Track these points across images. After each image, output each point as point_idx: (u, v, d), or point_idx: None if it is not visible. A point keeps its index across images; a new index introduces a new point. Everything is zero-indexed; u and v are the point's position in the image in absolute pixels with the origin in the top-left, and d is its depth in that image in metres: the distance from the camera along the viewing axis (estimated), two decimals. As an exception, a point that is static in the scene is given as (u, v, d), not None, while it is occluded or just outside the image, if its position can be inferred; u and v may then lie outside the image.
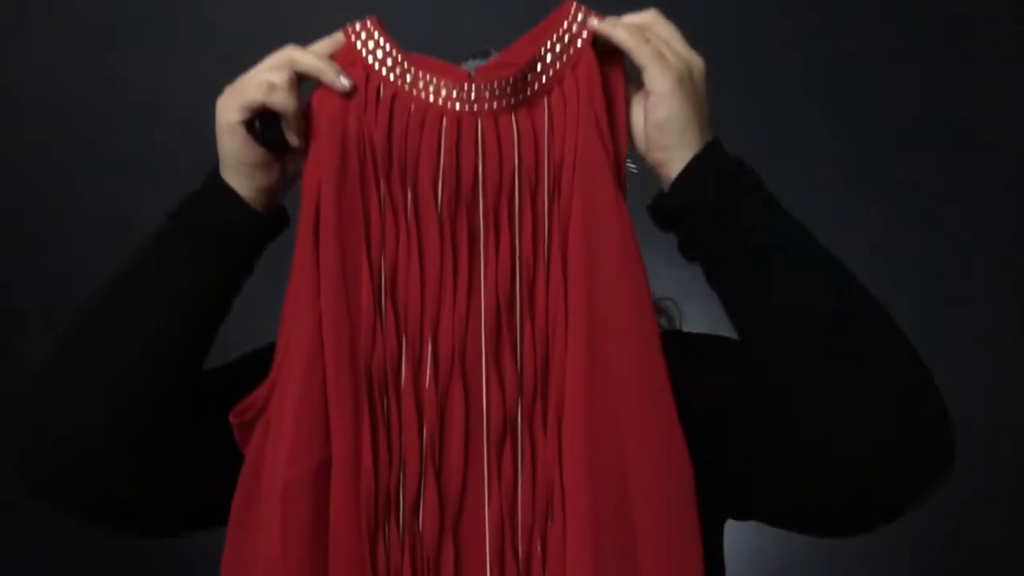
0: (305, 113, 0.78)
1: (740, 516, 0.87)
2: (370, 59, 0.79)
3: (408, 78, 0.78)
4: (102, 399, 0.76)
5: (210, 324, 0.81)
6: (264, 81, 0.77)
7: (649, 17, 0.79)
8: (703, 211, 0.76)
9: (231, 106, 0.78)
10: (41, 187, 1.95)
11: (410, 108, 0.78)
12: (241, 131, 0.77)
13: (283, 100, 0.77)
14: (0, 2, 1.93)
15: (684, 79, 0.76)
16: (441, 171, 0.76)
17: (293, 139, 0.78)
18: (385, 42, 0.79)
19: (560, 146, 0.77)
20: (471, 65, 0.80)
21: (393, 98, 0.78)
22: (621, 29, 0.77)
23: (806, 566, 1.94)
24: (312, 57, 0.79)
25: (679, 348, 0.80)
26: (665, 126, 0.77)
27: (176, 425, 0.78)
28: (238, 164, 0.79)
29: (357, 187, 0.77)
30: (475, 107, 0.77)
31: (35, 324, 1.90)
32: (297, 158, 0.80)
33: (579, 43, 0.77)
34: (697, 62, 0.78)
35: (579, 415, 0.74)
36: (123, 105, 1.91)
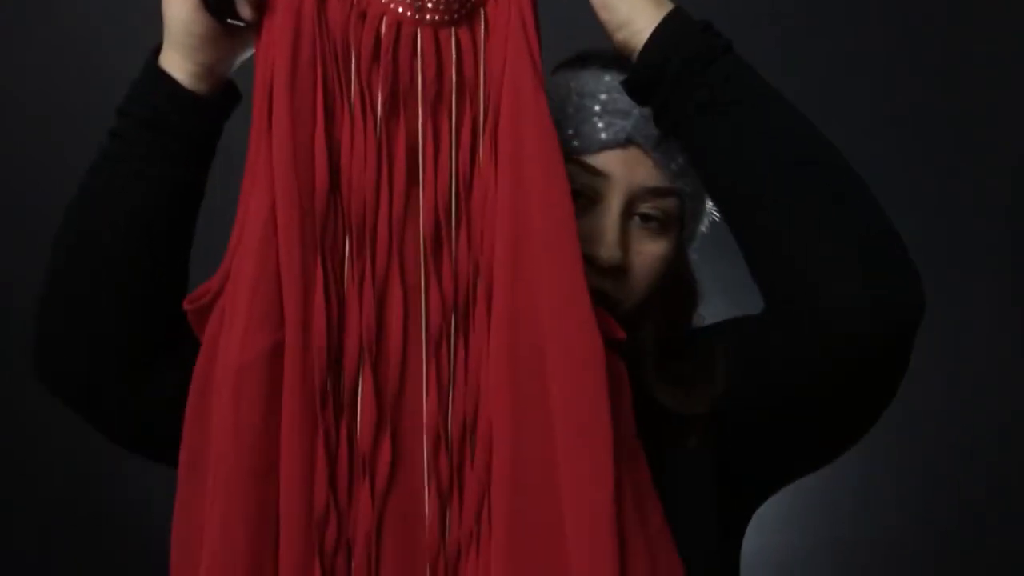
0: None
1: (763, 475, 0.90)
2: None
3: None
4: (92, 295, 0.79)
5: (184, 212, 0.80)
6: None
7: None
8: (669, 84, 0.76)
9: None
10: (41, 187, 1.95)
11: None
12: None
13: None
14: (0, 2, 1.93)
15: None
16: (381, 72, 0.75)
17: (246, 10, 0.73)
18: None
19: (494, 58, 0.76)
20: None
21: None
22: None
23: (806, 565, 1.94)
24: None
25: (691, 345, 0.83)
26: (608, 5, 0.77)
27: (166, 326, 0.79)
28: (186, 36, 0.76)
29: (310, 70, 0.74)
30: (416, 16, 0.75)
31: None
32: (245, 33, 0.76)
33: None
34: None
35: (503, 310, 0.74)
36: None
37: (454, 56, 0.76)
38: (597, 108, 0.86)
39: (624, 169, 0.86)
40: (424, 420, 0.75)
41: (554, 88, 0.87)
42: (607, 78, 0.88)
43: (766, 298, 0.79)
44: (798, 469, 0.90)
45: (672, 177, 0.87)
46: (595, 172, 0.85)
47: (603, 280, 0.84)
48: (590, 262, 0.82)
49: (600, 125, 0.86)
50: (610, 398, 0.74)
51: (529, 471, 0.73)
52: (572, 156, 0.84)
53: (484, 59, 0.76)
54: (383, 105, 0.75)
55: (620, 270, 0.85)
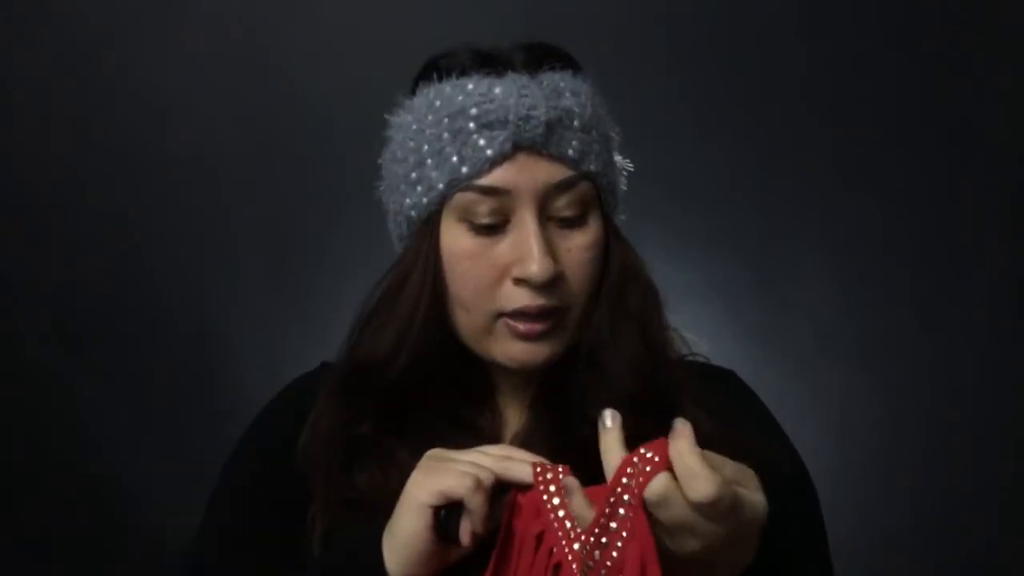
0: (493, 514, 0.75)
1: None
2: (551, 515, 0.74)
3: (577, 554, 0.72)
4: None
5: None
6: (471, 475, 0.73)
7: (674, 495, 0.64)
8: None
9: (428, 486, 0.74)
10: (41, 187, 1.95)
11: None
12: (428, 514, 0.73)
13: (481, 504, 0.73)
14: (0, 2, 1.93)
15: None
16: None
17: (466, 537, 0.74)
18: (563, 509, 0.74)
19: None
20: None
21: (556, 570, 0.73)
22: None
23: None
24: (521, 471, 0.74)
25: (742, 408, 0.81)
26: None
27: None
28: (406, 546, 0.75)
29: None
30: None
31: (35, 323, 1.91)
32: (453, 552, 0.76)
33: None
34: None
35: None
36: (123, 105, 1.91)
37: None
38: (472, 125, 0.81)
39: (522, 177, 0.81)
40: None
41: (419, 113, 0.84)
42: (470, 86, 0.82)
43: None
44: None
45: (573, 164, 0.82)
46: (496, 192, 0.81)
47: (547, 296, 0.81)
48: (527, 283, 0.81)
49: (482, 142, 0.81)
50: None
51: None
52: (465, 184, 0.81)
53: None
54: None
55: (557, 278, 0.82)
